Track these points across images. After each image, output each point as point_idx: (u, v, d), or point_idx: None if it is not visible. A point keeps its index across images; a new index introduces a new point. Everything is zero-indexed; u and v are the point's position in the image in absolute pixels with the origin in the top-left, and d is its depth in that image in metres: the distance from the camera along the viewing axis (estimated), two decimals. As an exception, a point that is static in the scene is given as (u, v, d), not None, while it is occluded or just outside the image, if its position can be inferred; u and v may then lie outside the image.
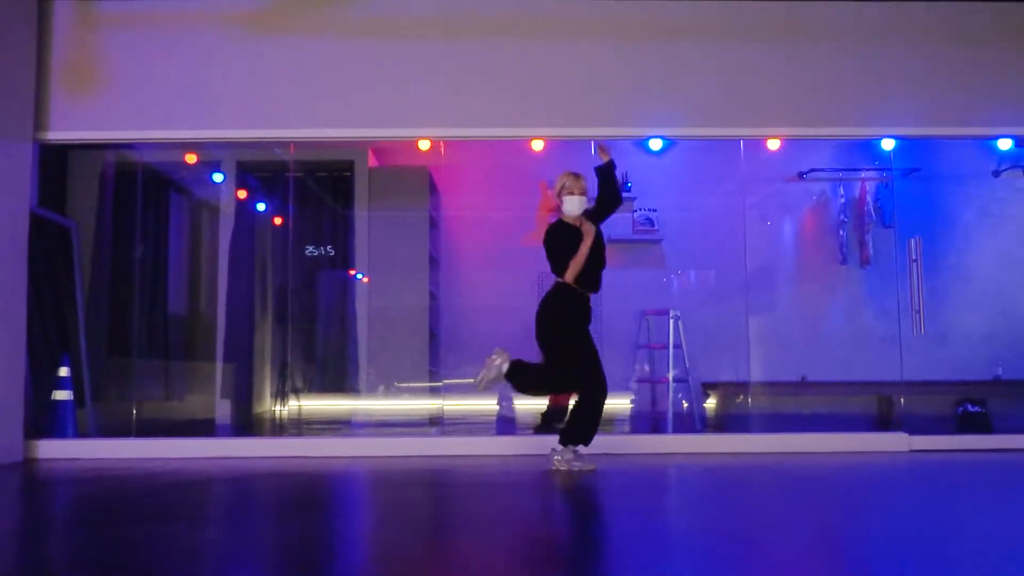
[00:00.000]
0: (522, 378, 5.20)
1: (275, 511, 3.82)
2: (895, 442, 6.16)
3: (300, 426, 7.76)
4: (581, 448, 5.09)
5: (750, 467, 5.07)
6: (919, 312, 6.34)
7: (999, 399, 8.09)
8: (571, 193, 5.37)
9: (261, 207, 8.17)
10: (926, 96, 6.55)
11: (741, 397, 8.01)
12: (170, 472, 5.03)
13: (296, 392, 7.98)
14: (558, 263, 5.35)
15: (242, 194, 7.98)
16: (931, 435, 6.32)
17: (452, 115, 6.52)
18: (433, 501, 3.99)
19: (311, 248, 8.19)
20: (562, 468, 4.97)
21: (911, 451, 6.07)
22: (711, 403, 8.28)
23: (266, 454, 6.05)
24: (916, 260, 6.43)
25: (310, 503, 4.01)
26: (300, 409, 7.96)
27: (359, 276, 8.07)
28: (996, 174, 8.66)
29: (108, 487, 4.49)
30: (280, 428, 7.76)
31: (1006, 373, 8.33)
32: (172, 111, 6.36)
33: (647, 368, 8.49)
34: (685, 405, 8.01)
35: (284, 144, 6.96)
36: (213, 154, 7.76)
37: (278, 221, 8.06)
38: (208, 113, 6.39)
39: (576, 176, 5.42)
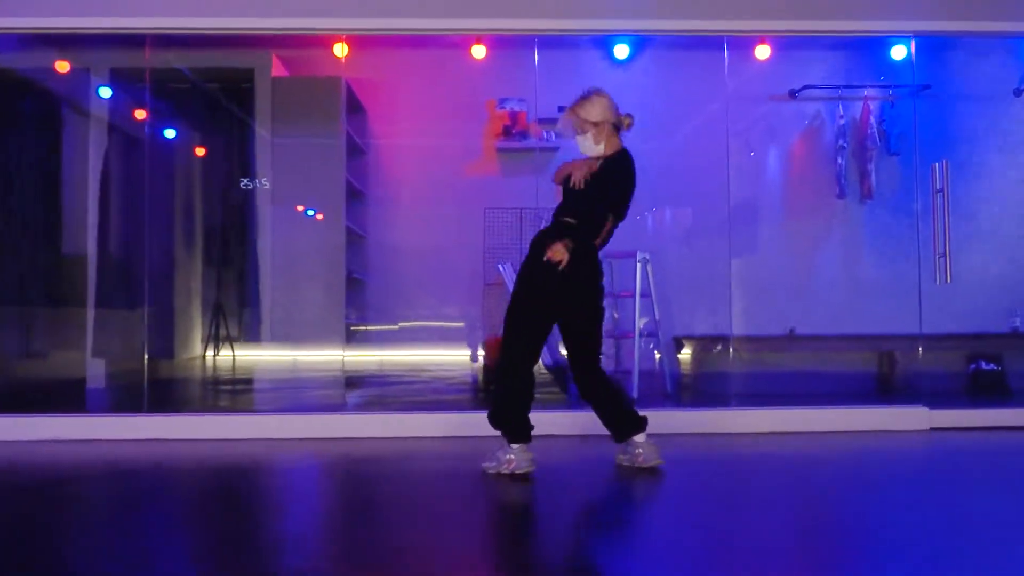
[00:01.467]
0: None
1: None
2: (914, 418, 4.94)
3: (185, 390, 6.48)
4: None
5: (733, 456, 3.83)
6: (945, 256, 5.10)
7: (1017, 355, 6.98)
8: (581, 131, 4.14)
9: (141, 122, 6.69)
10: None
11: (719, 352, 6.83)
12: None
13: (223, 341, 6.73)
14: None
15: (114, 106, 6.54)
16: (954, 408, 5.11)
17: (367, 4, 5.14)
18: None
19: (246, 182, 6.76)
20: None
21: (932, 429, 4.88)
22: (685, 354, 7.08)
23: (149, 435, 4.73)
24: (942, 190, 5.18)
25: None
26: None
27: (310, 212, 6.70)
28: (1018, 93, 7.42)
29: None
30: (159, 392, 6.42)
31: (1024, 325, 7.21)
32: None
33: (616, 316, 7.23)
34: (658, 356, 6.81)
35: (172, 45, 5.57)
36: (82, 59, 6.32)
37: (162, 138, 6.65)
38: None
39: (574, 109, 4.19)
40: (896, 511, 2.28)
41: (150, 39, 5.42)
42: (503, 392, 3.79)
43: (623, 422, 3.80)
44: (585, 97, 4.15)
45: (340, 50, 6.03)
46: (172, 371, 6.83)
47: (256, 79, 6.37)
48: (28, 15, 5.09)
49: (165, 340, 6.77)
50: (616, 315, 7.17)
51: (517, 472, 3.65)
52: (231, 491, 2.97)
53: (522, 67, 6.70)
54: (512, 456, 3.67)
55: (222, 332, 7.09)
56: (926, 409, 4.93)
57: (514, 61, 6.99)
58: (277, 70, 6.50)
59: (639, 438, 3.77)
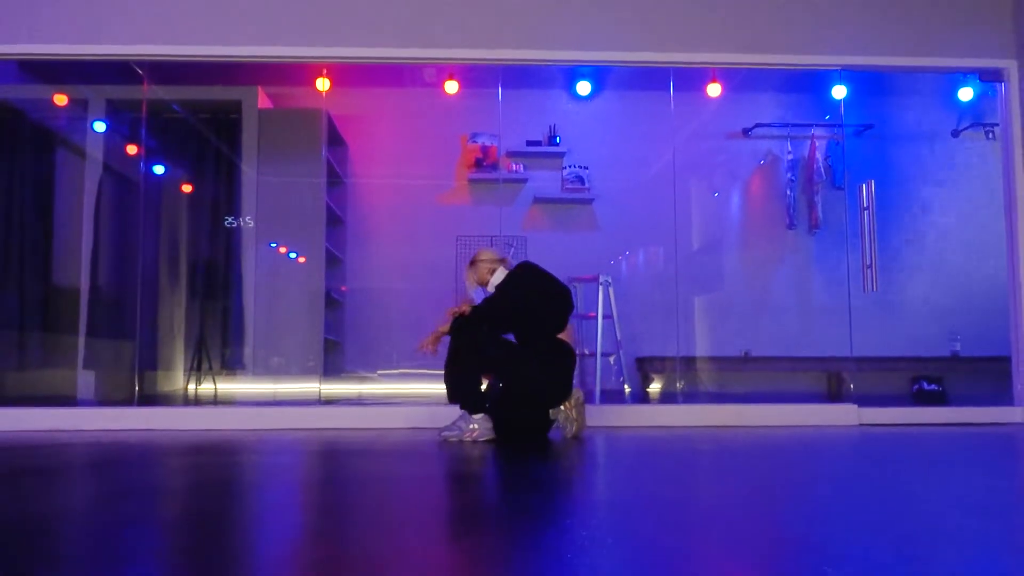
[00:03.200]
0: None
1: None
2: (844, 414, 5.36)
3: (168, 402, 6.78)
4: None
5: (685, 439, 4.23)
6: (871, 267, 5.55)
7: (957, 376, 7.40)
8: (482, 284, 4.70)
9: (134, 154, 7.11)
10: (882, 22, 5.78)
11: (676, 374, 7.21)
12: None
13: (204, 372, 6.99)
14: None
15: (109, 138, 6.96)
16: (882, 407, 5.53)
17: (345, 34, 5.61)
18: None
19: (230, 220, 7.16)
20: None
21: (861, 424, 5.29)
22: (655, 388, 7.45)
23: (128, 425, 5.08)
24: (868, 208, 5.65)
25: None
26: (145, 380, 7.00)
27: (292, 256, 7.09)
28: (956, 134, 7.99)
29: None
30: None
31: (965, 349, 7.65)
32: (11, 24, 5.40)
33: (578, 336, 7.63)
34: (628, 390, 7.19)
35: (163, 79, 6.00)
36: (78, 91, 6.76)
37: (155, 169, 7.05)
38: (55, 25, 5.44)
39: (469, 266, 4.79)
40: (827, 488, 2.63)
41: (147, 73, 5.85)
42: (458, 370, 4.23)
43: None
44: (475, 260, 4.70)
45: (322, 84, 6.50)
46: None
47: (243, 111, 6.81)
48: (23, 42, 5.47)
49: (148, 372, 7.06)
50: (579, 335, 7.58)
51: (479, 440, 4.05)
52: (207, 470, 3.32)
53: (494, 103, 7.20)
54: (475, 426, 4.09)
55: (204, 365, 7.39)
56: (855, 406, 5.33)
57: (485, 99, 7.50)
58: (263, 102, 6.96)
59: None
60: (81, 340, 6.63)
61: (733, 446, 3.93)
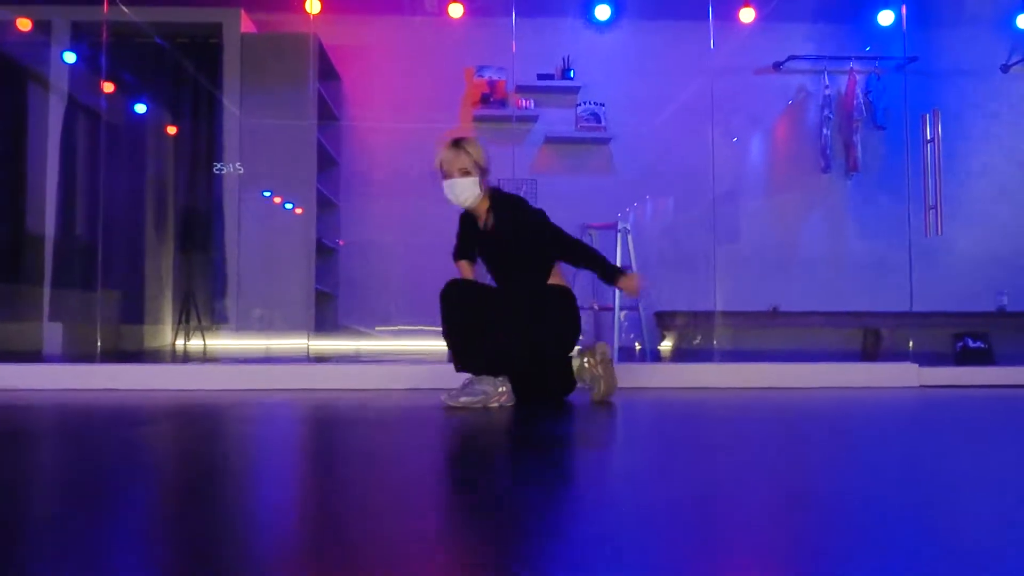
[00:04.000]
0: None
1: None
2: (903, 374, 4.74)
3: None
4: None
5: (726, 403, 3.63)
6: (936, 208, 4.91)
7: (1003, 332, 6.81)
8: (448, 176, 3.55)
9: (102, 84, 6.40)
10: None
11: (699, 335, 6.62)
12: None
13: (193, 328, 6.38)
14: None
15: (76, 67, 6.27)
16: (943, 366, 4.92)
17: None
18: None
19: (219, 166, 6.48)
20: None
21: (921, 386, 4.68)
22: (666, 345, 6.86)
23: (94, 384, 4.46)
24: (932, 140, 4.99)
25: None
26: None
27: (288, 206, 6.44)
28: (1005, 69, 7.31)
29: None
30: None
31: (1012, 304, 7.06)
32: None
33: (592, 300, 7.01)
34: (638, 347, 6.60)
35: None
36: (42, 12, 6.05)
37: (120, 99, 6.36)
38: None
39: (454, 145, 3.56)
40: (892, 457, 2.08)
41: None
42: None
43: None
44: (467, 138, 3.62)
45: (311, 6, 5.81)
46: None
47: (224, 35, 6.11)
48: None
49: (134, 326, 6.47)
50: (592, 294, 6.98)
51: (507, 405, 3.42)
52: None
53: (501, 33, 6.51)
54: (504, 388, 3.44)
55: (192, 320, 6.79)
56: (916, 366, 4.73)
57: (492, 27, 6.81)
58: (246, 27, 6.25)
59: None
60: (47, 291, 6.00)
61: (793, 415, 3.33)
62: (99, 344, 5.04)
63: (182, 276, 6.50)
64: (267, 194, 6.38)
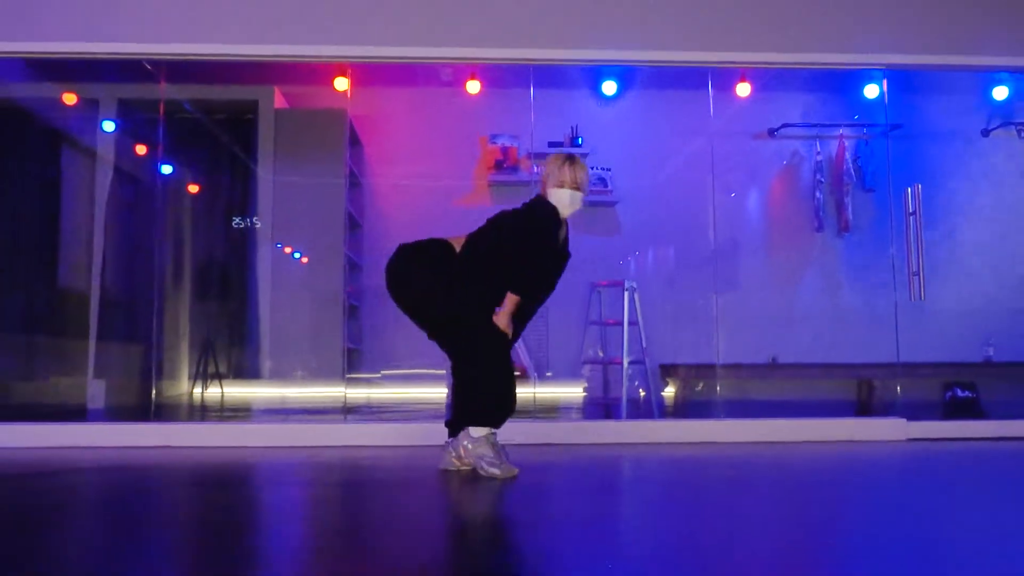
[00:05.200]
0: None
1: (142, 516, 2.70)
2: (892, 429, 5.15)
3: (179, 413, 6.57)
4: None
5: (723, 460, 4.03)
6: (918, 275, 5.36)
7: (990, 382, 7.21)
8: (560, 185, 3.85)
9: (146, 156, 6.89)
10: (919, 19, 5.59)
11: (702, 384, 7.02)
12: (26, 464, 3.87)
13: (211, 378, 6.79)
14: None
15: (121, 140, 6.75)
16: (930, 420, 5.33)
17: (368, 33, 5.40)
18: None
19: (238, 220, 6.98)
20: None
21: (909, 439, 5.09)
22: (669, 392, 7.26)
23: (146, 443, 4.87)
24: (914, 212, 5.45)
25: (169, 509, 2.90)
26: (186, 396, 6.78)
27: (296, 255, 6.90)
28: (986, 133, 7.79)
29: None
30: (167, 414, 6.56)
31: (998, 354, 7.46)
32: (20, 20, 5.19)
33: (600, 353, 7.43)
34: (642, 394, 7.00)
35: (179, 78, 5.80)
36: (88, 91, 6.54)
37: (166, 170, 6.83)
38: (65, 22, 5.22)
39: (572, 162, 3.87)
40: (880, 507, 2.47)
41: (161, 72, 5.65)
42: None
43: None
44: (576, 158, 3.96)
45: (342, 84, 6.29)
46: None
47: (259, 111, 6.60)
48: (30, 40, 5.24)
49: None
50: (601, 350, 7.39)
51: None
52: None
53: (515, 103, 6.99)
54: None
55: (211, 369, 7.20)
56: (904, 421, 5.14)
57: (507, 98, 7.29)
58: (279, 102, 6.75)
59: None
60: (92, 347, 6.41)
61: (790, 471, 3.73)
62: (153, 403, 5.45)
63: (213, 329, 6.93)
64: (279, 245, 6.84)
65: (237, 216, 6.79)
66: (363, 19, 5.39)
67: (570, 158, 3.89)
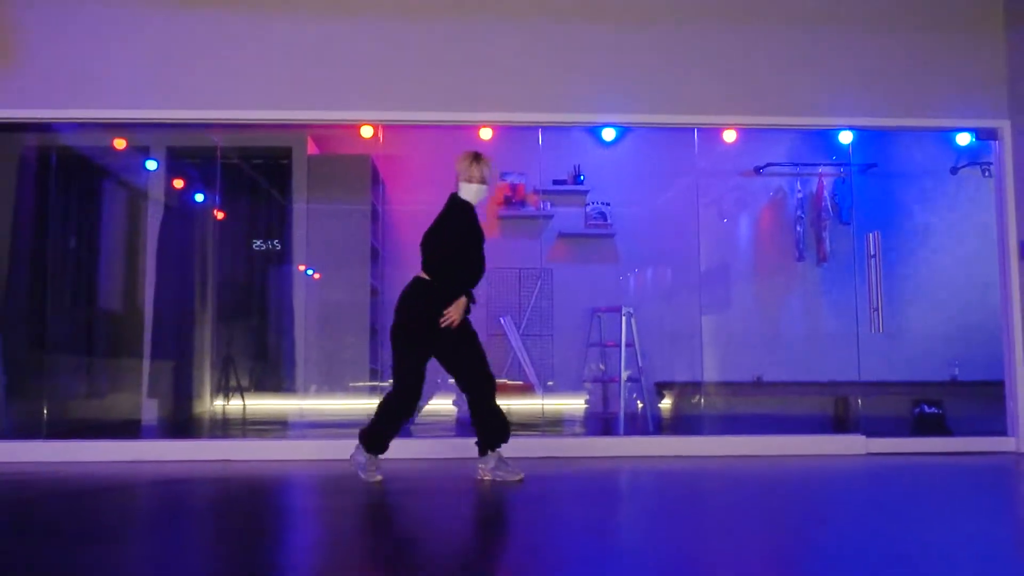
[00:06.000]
0: None
1: (201, 527, 3.44)
2: (852, 445, 5.91)
3: (230, 427, 7.33)
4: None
5: (704, 472, 4.78)
6: (877, 310, 6.11)
7: (955, 400, 7.91)
8: (469, 181, 4.73)
9: (192, 196, 7.69)
10: (883, 86, 6.33)
11: (696, 398, 7.75)
12: (85, 478, 4.62)
13: (234, 391, 7.56)
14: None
15: (172, 182, 7.54)
16: (888, 437, 6.07)
17: (394, 99, 6.17)
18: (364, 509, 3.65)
19: (259, 243, 7.76)
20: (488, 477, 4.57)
21: (868, 454, 5.84)
22: (666, 404, 8.00)
23: (193, 457, 5.64)
24: (875, 255, 6.21)
25: (238, 516, 3.64)
26: (226, 409, 7.54)
27: (309, 272, 7.66)
28: (954, 171, 8.49)
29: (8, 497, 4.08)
30: (216, 428, 7.33)
31: (963, 374, 8.17)
32: (93, 89, 5.95)
33: (601, 367, 8.17)
34: (640, 405, 7.72)
35: (215, 128, 6.55)
36: (141, 138, 7.30)
37: (216, 213, 7.61)
38: (132, 92, 5.98)
39: (478, 160, 4.74)
40: (834, 522, 3.17)
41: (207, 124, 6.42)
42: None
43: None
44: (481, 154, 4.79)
45: (367, 132, 7.05)
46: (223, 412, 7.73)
47: (293, 157, 7.38)
48: (101, 107, 6.00)
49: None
50: (601, 366, 8.12)
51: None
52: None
53: (523, 147, 7.75)
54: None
55: (232, 383, 7.95)
56: (863, 437, 5.88)
57: (516, 141, 8.03)
58: (311, 148, 7.52)
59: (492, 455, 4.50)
60: (146, 367, 7.18)
61: (751, 482, 4.46)
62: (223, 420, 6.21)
63: (251, 347, 7.71)
64: (300, 267, 7.65)
65: (275, 249, 7.55)
66: (387, 88, 6.13)
67: (476, 157, 4.74)
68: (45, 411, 6.12)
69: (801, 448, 5.86)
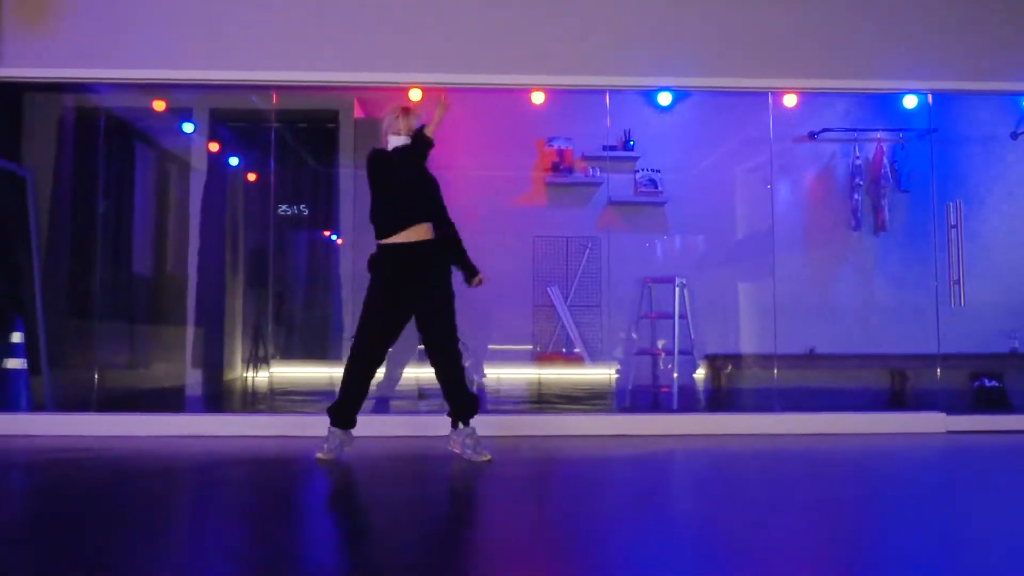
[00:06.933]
0: None
1: (254, 507, 3.28)
2: (931, 422, 5.69)
3: (275, 398, 7.17)
4: None
5: (786, 452, 4.58)
6: (959, 282, 5.87)
7: (1016, 373, 7.70)
8: (397, 133, 4.60)
9: (235, 160, 7.49)
10: (951, 48, 6.09)
11: (749, 372, 7.57)
12: (136, 455, 4.46)
13: (265, 360, 7.42)
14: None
15: (215, 146, 7.33)
16: (968, 414, 5.86)
17: (445, 60, 5.95)
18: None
19: (284, 207, 7.59)
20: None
21: (948, 432, 5.62)
22: (714, 377, 7.80)
23: (240, 432, 5.47)
24: (956, 226, 5.96)
25: (287, 497, 3.48)
26: (271, 378, 7.38)
27: (334, 237, 7.48)
28: (1015, 136, 8.22)
29: (63, 475, 3.93)
30: (253, 398, 7.18)
31: (1023, 346, 7.94)
32: (136, 49, 5.75)
33: (660, 343, 7.94)
34: (675, 375, 7.52)
35: (262, 91, 6.34)
36: (184, 100, 7.10)
37: (252, 176, 7.43)
38: (177, 52, 5.78)
39: (405, 113, 4.64)
40: (925, 497, 2.98)
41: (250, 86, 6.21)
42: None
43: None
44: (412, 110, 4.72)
45: (415, 95, 6.81)
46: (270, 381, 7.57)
47: (340, 120, 7.15)
48: (150, 67, 5.82)
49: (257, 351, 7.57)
50: (661, 339, 7.92)
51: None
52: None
53: (572, 109, 7.51)
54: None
55: (260, 352, 7.80)
56: (943, 415, 5.67)
57: (566, 104, 7.79)
58: (358, 112, 7.29)
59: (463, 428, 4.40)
60: (189, 336, 7.02)
61: (847, 465, 4.26)
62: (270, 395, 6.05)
63: (291, 314, 7.56)
64: (326, 233, 7.46)
65: (321, 217, 7.36)
66: (437, 49, 5.90)
67: (406, 111, 4.65)
68: (95, 382, 5.96)
69: (876, 426, 5.64)
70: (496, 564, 2.15)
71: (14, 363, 5.57)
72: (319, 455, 4.34)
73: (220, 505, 3.16)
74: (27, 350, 5.70)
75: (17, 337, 5.63)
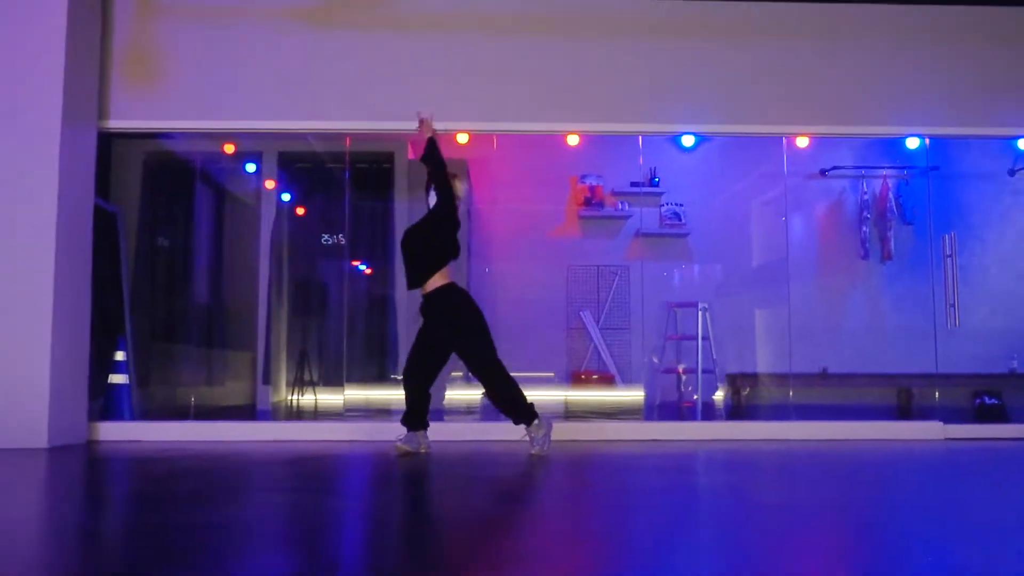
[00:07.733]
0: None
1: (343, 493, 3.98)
2: (930, 430, 6.37)
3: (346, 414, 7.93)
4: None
5: (799, 453, 5.28)
6: (954, 306, 6.56)
7: (1014, 392, 8.33)
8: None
9: (303, 197, 8.30)
10: (952, 96, 6.79)
11: (764, 390, 8.23)
12: (233, 453, 5.19)
13: (310, 384, 8.15)
14: None
15: (281, 183, 8.13)
16: (965, 423, 6.52)
17: (490, 110, 6.70)
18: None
19: (327, 237, 8.36)
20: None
21: (946, 439, 6.28)
22: (734, 394, 8.48)
23: (315, 437, 6.22)
24: (951, 255, 6.66)
25: (368, 483, 4.18)
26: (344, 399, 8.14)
27: (361, 268, 8.24)
28: (1012, 173, 8.88)
29: (185, 468, 4.64)
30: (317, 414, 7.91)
31: (1021, 366, 8.57)
32: (224, 102, 6.53)
33: (681, 366, 8.65)
34: (696, 396, 8.18)
35: (328, 136, 7.12)
36: (254, 144, 7.90)
37: (303, 210, 8.22)
38: (258, 104, 6.55)
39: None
40: (922, 497, 3.64)
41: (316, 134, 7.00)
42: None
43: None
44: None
45: (462, 138, 7.58)
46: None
47: (395, 162, 7.95)
48: (227, 119, 6.61)
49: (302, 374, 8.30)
50: (681, 362, 8.63)
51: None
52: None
53: (603, 150, 8.27)
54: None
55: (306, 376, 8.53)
56: (941, 424, 6.35)
57: (598, 146, 8.53)
58: (411, 154, 8.08)
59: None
60: (260, 357, 7.79)
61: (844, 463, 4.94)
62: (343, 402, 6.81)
63: (352, 339, 8.30)
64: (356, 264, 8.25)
65: (378, 250, 8.14)
66: (483, 101, 6.66)
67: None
68: (192, 396, 6.74)
69: (879, 433, 6.32)
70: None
71: (118, 378, 6.32)
72: (398, 444, 5.15)
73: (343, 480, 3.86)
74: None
75: (120, 356, 6.38)
